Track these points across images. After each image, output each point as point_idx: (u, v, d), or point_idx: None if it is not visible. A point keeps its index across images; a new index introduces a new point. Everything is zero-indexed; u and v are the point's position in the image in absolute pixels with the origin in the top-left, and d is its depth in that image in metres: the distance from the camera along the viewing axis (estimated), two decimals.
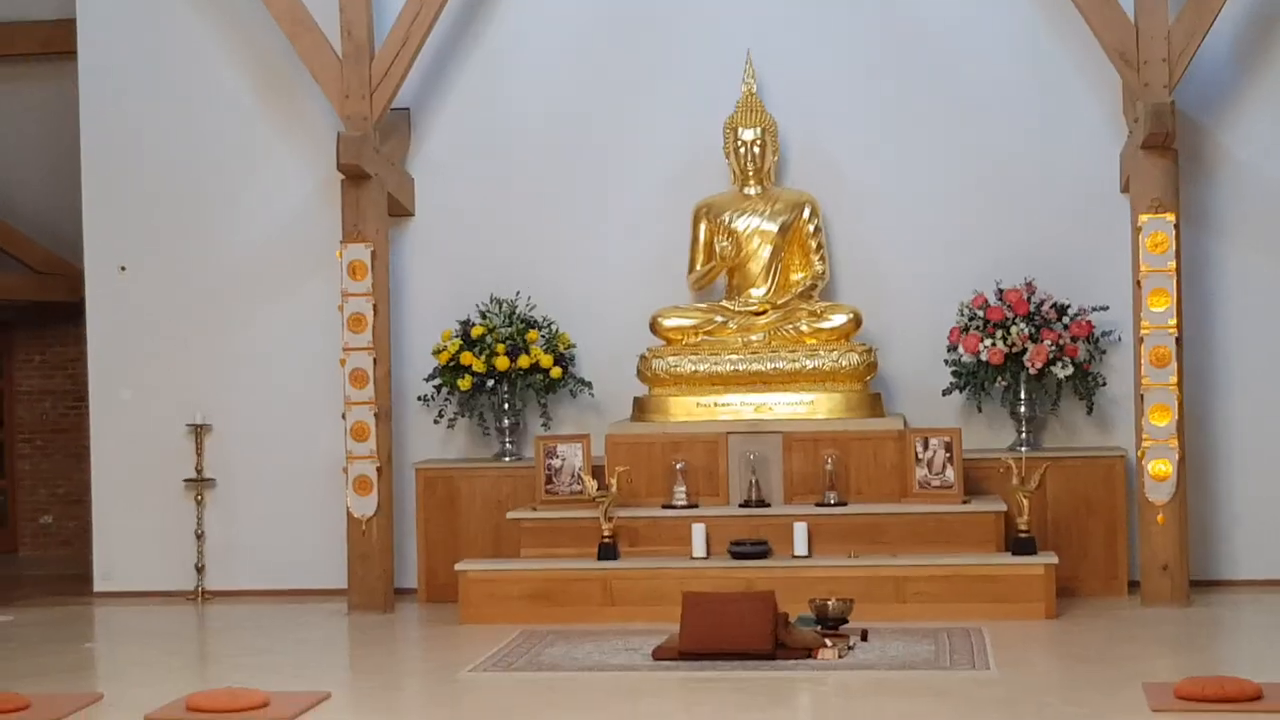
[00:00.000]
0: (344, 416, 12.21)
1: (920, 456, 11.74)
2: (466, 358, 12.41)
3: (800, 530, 11.42)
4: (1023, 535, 11.31)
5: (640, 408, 12.29)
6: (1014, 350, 11.91)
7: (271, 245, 13.08)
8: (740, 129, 12.51)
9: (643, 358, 12.30)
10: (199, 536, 12.96)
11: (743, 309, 12.47)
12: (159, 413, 13.10)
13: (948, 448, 11.70)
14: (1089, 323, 11.98)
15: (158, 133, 13.21)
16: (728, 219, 12.51)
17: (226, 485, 13.05)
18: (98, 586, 13.18)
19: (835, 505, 11.66)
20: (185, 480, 13.00)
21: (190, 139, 13.18)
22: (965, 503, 11.62)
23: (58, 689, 9.57)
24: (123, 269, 13.25)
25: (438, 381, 12.56)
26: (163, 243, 13.19)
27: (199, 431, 12.96)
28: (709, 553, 11.46)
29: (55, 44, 14.01)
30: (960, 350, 12.05)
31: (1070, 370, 11.90)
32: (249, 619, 12.09)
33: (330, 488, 12.57)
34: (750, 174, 12.52)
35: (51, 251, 15.40)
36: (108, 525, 13.21)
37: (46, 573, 14.83)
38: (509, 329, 12.48)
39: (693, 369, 12.19)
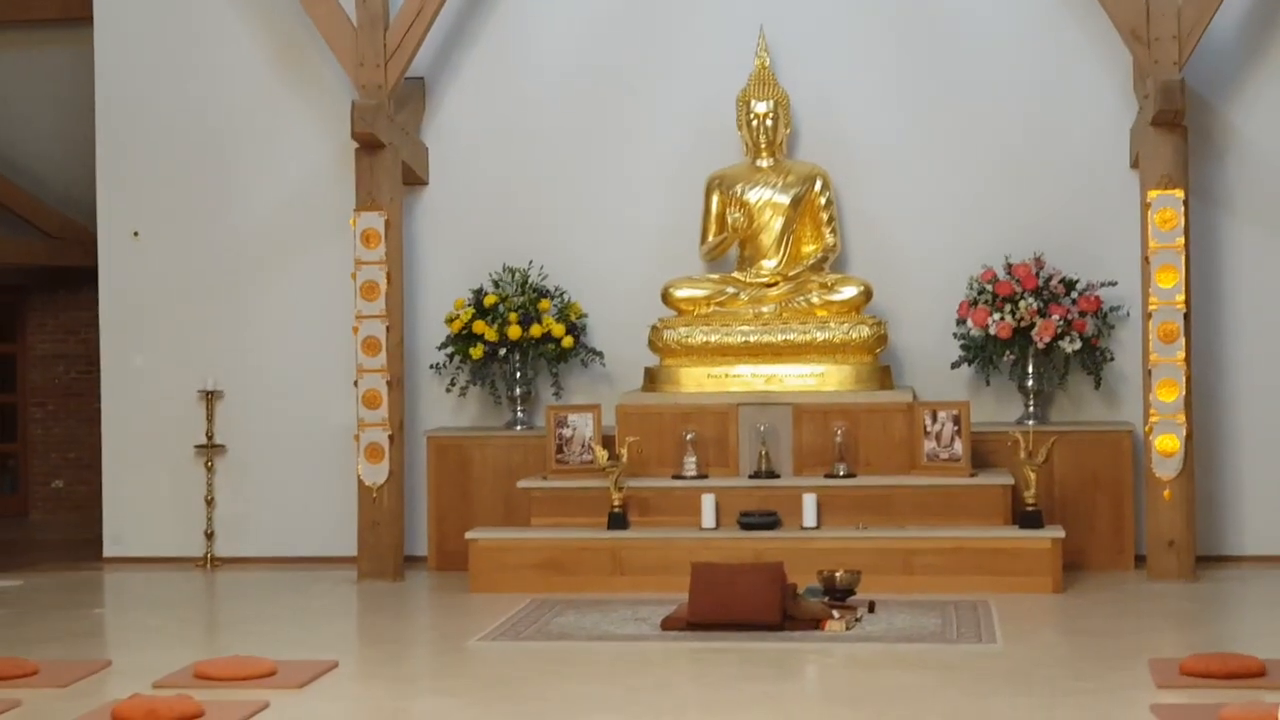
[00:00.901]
0: (356, 384, 12.25)
1: (929, 429, 11.78)
2: (479, 326, 12.45)
3: (809, 502, 11.46)
4: (1030, 509, 11.34)
5: (651, 378, 12.33)
6: (1022, 324, 11.94)
7: (285, 212, 13.11)
8: (753, 102, 12.53)
9: (654, 328, 12.34)
10: (209, 503, 13.02)
11: (754, 280, 12.50)
12: (170, 378, 13.15)
13: (956, 421, 11.73)
14: (1097, 298, 12.01)
15: (173, 99, 13.24)
16: (740, 191, 12.53)
17: (237, 452, 13.10)
18: (108, 552, 13.24)
19: (844, 477, 11.70)
20: (196, 446, 13.05)
21: (205, 105, 13.21)
22: (973, 476, 11.66)
23: (67, 655, 9.63)
24: (136, 234, 13.28)
25: (450, 350, 12.61)
26: (176, 209, 13.23)
27: (210, 398, 13.00)
28: (718, 523, 11.51)
29: (73, 9, 14.00)
30: (969, 324, 12.08)
31: (1078, 345, 11.93)
32: (258, 586, 12.15)
33: (341, 455, 12.62)
34: (763, 146, 12.54)
35: (66, 216, 15.45)
36: (118, 491, 13.27)
37: (57, 537, 14.91)
38: (521, 298, 12.52)
39: (704, 340, 12.22)
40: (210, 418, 13.01)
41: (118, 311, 13.30)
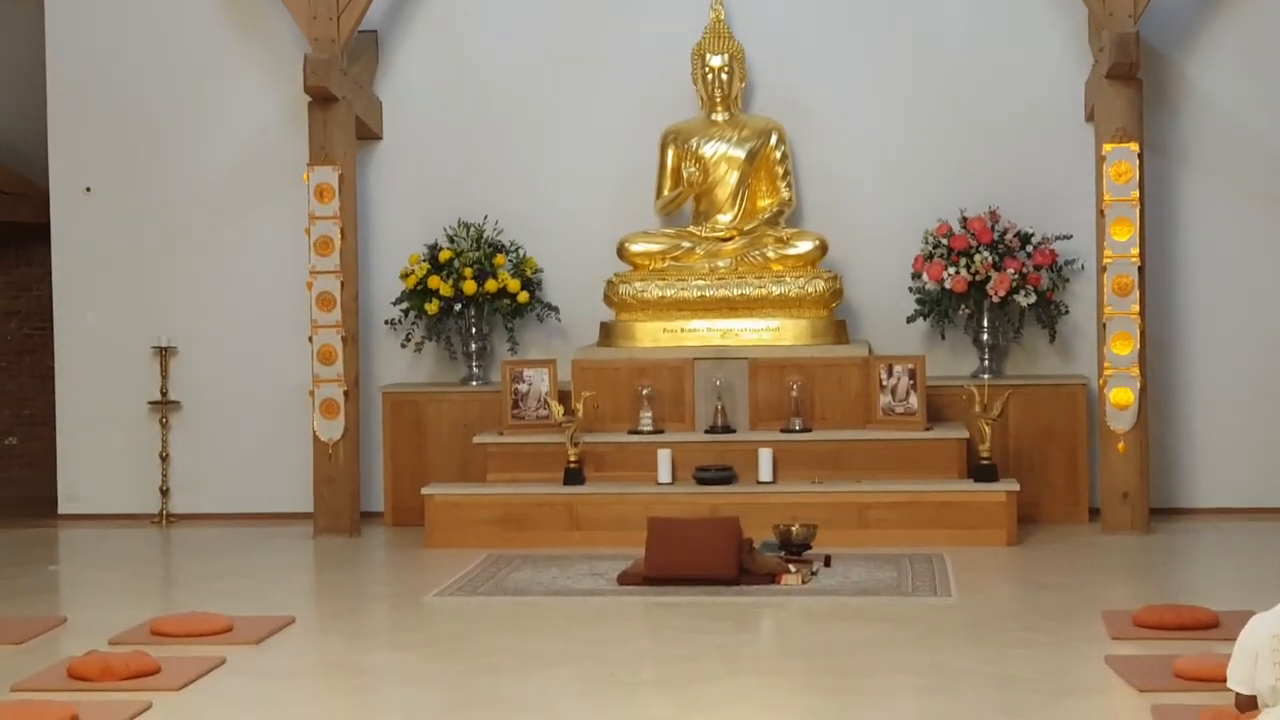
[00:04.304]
0: (310, 340, 12.21)
1: (884, 383, 11.79)
2: (434, 282, 12.41)
3: (765, 456, 11.47)
4: (984, 462, 11.38)
5: (607, 333, 12.31)
6: (977, 278, 11.96)
7: (238, 167, 13.03)
8: (708, 55, 12.49)
9: (609, 283, 12.32)
10: (164, 459, 12.96)
11: (710, 235, 12.48)
12: (124, 335, 13.08)
13: (911, 375, 11.75)
14: (1052, 251, 12.03)
15: (124, 53, 13.13)
16: (695, 145, 12.50)
17: (191, 408, 13.04)
18: (62, 509, 13.17)
19: (800, 431, 11.71)
20: (150, 403, 12.99)
21: (157, 60, 13.10)
22: (928, 430, 11.68)
23: (21, 612, 9.61)
24: (88, 190, 13.19)
25: (405, 305, 12.56)
26: (129, 164, 13.13)
27: (164, 354, 12.94)
28: (674, 478, 11.51)
29: None
30: (924, 278, 12.09)
31: (1033, 299, 11.96)
32: (213, 543, 12.10)
33: (296, 411, 12.58)
34: (718, 100, 12.51)
35: (17, 172, 15.30)
36: (72, 448, 13.20)
37: (11, 494, 14.80)
38: (476, 253, 12.48)
39: (659, 294, 12.21)
40: (164, 374, 12.95)
41: (70, 267, 13.22)
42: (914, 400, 11.72)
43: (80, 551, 12.11)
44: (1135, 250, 11.51)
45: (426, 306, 12.42)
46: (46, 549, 12.21)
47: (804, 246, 12.28)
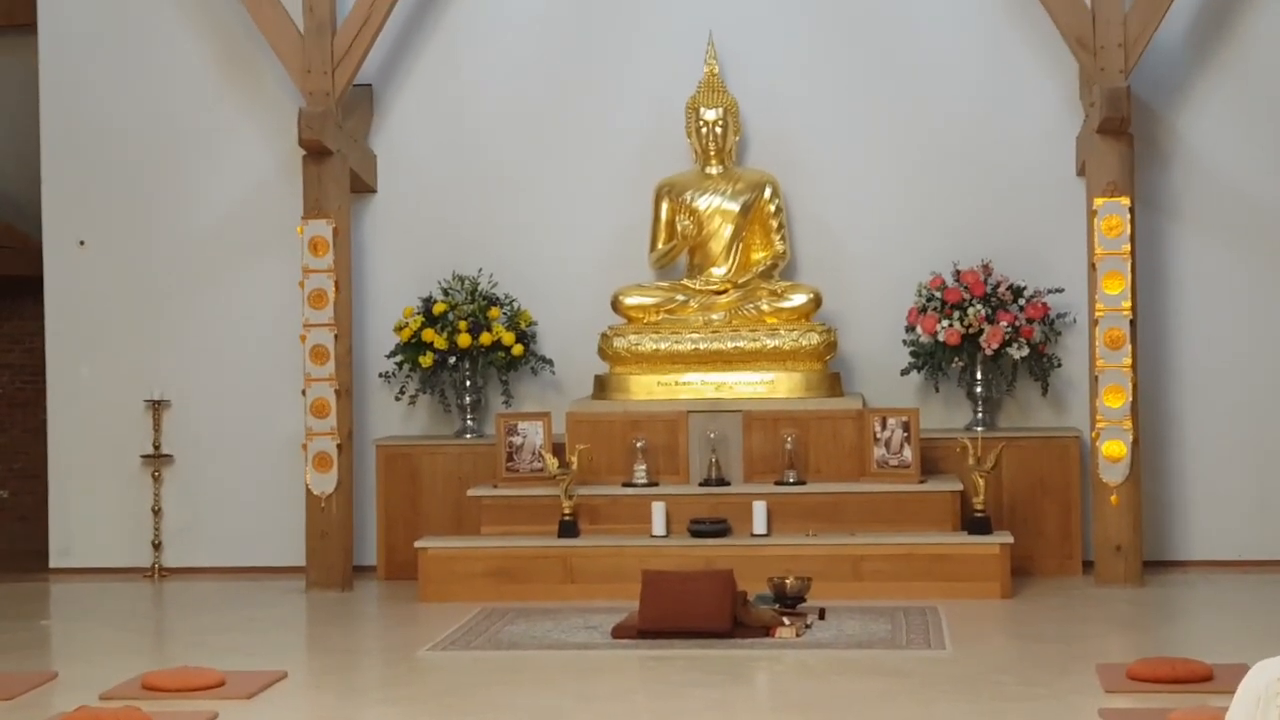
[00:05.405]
0: (304, 393, 12.20)
1: (878, 436, 11.80)
2: (428, 334, 12.42)
3: (759, 509, 11.46)
4: (978, 515, 11.37)
5: (601, 386, 12.32)
6: (971, 331, 11.98)
7: (232, 221, 13.05)
8: (702, 109, 12.54)
9: (604, 336, 12.33)
10: (156, 513, 12.94)
11: (704, 288, 12.51)
12: (117, 388, 13.07)
13: (905, 427, 11.76)
14: (1044, 305, 12.06)
15: (118, 106, 13.16)
16: (689, 198, 12.53)
17: (185, 462, 13.02)
18: (54, 563, 13.13)
19: (794, 484, 11.71)
20: (143, 456, 12.97)
21: (151, 113, 13.13)
22: (922, 482, 11.69)
23: (12, 667, 9.56)
24: (82, 243, 13.20)
25: (399, 358, 12.57)
26: (122, 217, 13.15)
27: (157, 407, 12.93)
28: (669, 531, 11.50)
29: (17, 15, 13.89)
30: (918, 331, 12.12)
31: (1026, 351, 11.98)
32: (206, 597, 12.07)
33: (290, 465, 12.56)
34: (712, 154, 12.55)
35: (10, 224, 15.32)
36: (65, 501, 13.17)
37: (3, 548, 14.78)
38: (471, 306, 12.49)
39: (654, 347, 12.22)
40: (157, 427, 12.94)
41: (63, 321, 13.22)
42: (908, 453, 11.73)
43: (72, 606, 12.09)
44: (1127, 304, 11.54)
45: (420, 359, 12.43)
46: (38, 603, 12.19)
47: (798, 300, 12.31)
